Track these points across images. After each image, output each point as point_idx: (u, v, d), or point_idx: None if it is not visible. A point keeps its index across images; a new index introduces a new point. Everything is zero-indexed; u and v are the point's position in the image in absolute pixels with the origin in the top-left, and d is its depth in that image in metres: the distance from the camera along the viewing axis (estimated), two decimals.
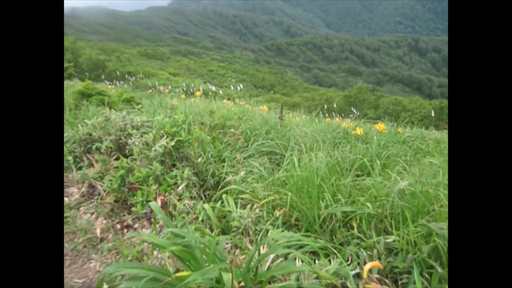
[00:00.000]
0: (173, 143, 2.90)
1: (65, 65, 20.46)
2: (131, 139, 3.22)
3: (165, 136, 2.98)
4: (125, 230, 2.72)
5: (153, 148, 2.86)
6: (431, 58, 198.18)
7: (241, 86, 8.24)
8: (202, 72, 48.35)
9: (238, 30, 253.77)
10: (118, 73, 23.89)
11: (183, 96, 9.80)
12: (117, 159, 3.33)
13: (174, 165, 3.05)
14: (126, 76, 19.02)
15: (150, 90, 11.12)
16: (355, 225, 2.21)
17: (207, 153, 3.20)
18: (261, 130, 4.00)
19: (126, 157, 3.26)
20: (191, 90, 12.24)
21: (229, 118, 4.64)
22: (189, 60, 60.24)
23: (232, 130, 3.95)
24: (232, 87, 17.86)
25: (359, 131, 4.10)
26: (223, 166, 3.12)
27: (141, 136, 3.25)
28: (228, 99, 12.67)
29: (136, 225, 2.72)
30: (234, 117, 4.75)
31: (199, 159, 3.06)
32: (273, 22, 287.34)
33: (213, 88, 10.66)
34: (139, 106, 5.87)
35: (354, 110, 9.12)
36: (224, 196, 2.61)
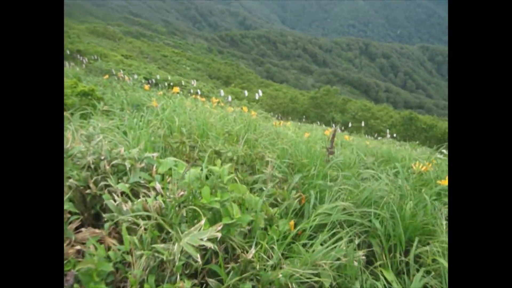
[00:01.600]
0: (218, 232, 1.33)
1: None
2: (115, 197, 1.62)
3: (202, 217, 1.37)
4: None
5: (175, 247, 1.27)
6: (380, 63, 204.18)
7: (230, 99, 6.76)
8: (156, 57, 45.32)
9: (193, 17, 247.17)
10: (68, 51, 21.16)
11: (146, 87, 8.10)
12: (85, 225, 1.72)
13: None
14: (77, 55, 16.67)
15: (107, 76, 9.23)
16: None
17: (258, 234, 1.68)
18: (313, 173, 2.51)
19: (98, 224, 1.69)
20: (155, 80, 10.43)
21: (251, 143, 3.11)
22: (142, 43, 56.51)
23: (270, 169, 2.42)
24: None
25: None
26: (291, 260, 1.62)
27: (133, 196, 1.66)
28: (196, 94, 10.98)
29: None
30: (253, 139, 3.22)
31: (253, 250, 1.53)
32: (229, 12, 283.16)
33: (194, 84, 8.91)
34: (103, 105, 4.18)
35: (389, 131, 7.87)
36: None
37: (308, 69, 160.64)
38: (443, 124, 27.06)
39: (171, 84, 10.68)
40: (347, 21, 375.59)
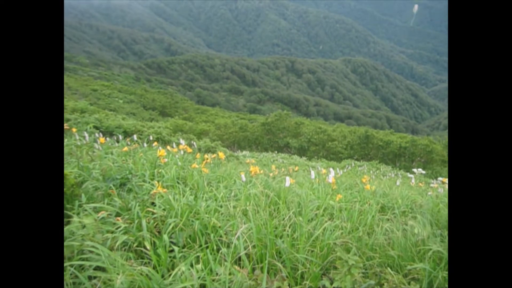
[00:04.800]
0: None
1: None
2: None
3: None
4: None
5: None
6: (307, 78, 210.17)
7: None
8: (86, 92, 42.87)
9: (116, 46, 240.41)
10: None
11: (102, 140, 6.81)
12: None
13: None
14: None
15: None
16: None
17: None
18: None
19: None
20: (104, 128, 9.07)
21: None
22: (68, 78, 53.58)
23: None
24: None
25: None
26: None
27: None
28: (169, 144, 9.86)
29: None
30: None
31: None
32: (153, 39, 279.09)
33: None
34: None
35: None
36: None
37: (238, 89, 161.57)
38: (397, 139, 27.29)
39: (126, 131, 9.48)
40: (271, 40, 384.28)
